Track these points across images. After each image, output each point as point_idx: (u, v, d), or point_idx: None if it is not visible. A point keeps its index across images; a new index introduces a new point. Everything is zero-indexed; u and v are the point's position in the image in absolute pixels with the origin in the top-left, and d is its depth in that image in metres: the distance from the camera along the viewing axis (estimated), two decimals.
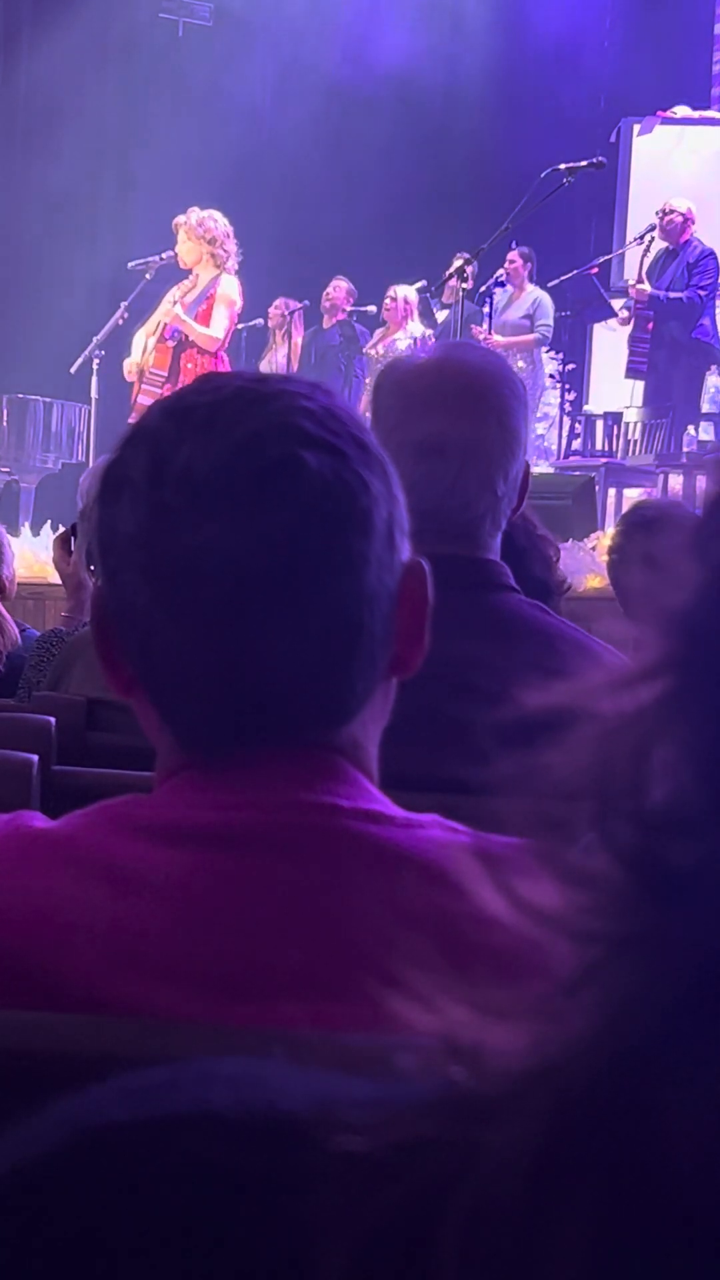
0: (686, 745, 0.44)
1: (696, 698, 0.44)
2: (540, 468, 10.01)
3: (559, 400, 11.63)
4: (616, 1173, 0.41)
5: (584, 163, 9.30)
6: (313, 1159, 0.45)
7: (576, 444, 11.35)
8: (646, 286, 10.43)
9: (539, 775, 0.46)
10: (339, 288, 11.40)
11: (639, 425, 10.60)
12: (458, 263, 10.28)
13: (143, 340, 9.51)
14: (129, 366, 9.55)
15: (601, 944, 0.44)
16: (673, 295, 10.31)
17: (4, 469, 11.03)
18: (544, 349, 11.27)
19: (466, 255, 10.08)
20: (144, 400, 9.08)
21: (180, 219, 9.44)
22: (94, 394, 10.37)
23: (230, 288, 9.36)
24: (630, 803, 0.44)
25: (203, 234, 9.31)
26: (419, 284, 10.95)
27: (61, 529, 4.17)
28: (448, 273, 10.18)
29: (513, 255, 10.97)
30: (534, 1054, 0.43)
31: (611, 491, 9.97)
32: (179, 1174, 0.47)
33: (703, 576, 0.45)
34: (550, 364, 11.58)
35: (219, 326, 9.32)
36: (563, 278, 11.22)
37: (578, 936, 0.44)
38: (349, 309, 11.39)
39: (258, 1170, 0.47)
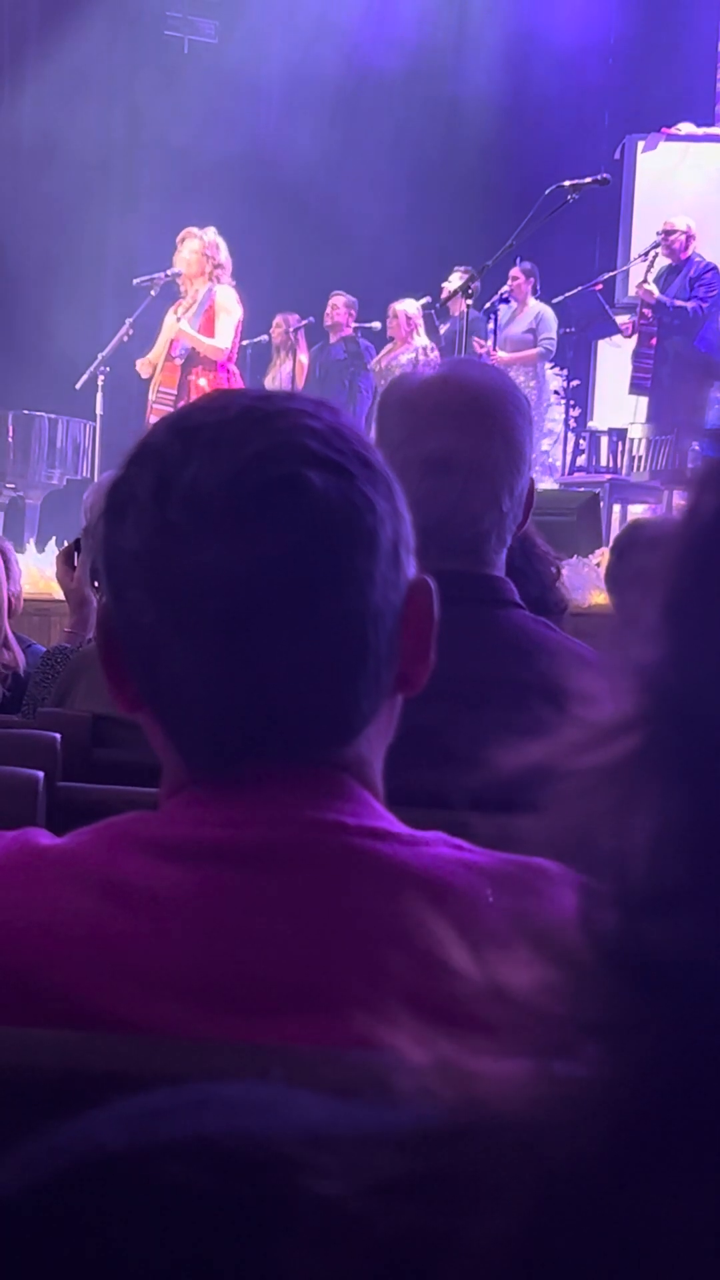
0: (660, 812, 0.44)
1: (667, 763, 0.44)
2: (545, 484, 10.03)
3: (563, 416, 11.65)
4: (601, 1256, 0.41)
5: (588, 179, 9.31)
6: (296, 1196, 0.45)
7: (581, 460, 11.36)
8: (653, 289, 10.47)
9: (519, 838, 0.46)
10: (336, 305, 11.40)
11: (643, 441, 10.61)
12: (455, 277, 10.30)
13: (150, 364, 9.57)
14: (143, 365, 9.61)
15: (577, 1030, 0.43)
16: (679, 303, 10.36)
17: (9, 485, 11.03)
18: (548, 364, 11.29)
19: (468, 270, 10.10)
20: (154, 420, 9.10)
21: (195, 230, 9.52)
22: (99, 410, 10.38)
23: (227, 297, 9.44)
24: (609, 879, 0.44)
25: (211, 254, 9.39)
26: (424, 300, 10.97)
27: (66, 544, 4.17)
28: (451, 290, 10.20)
29: (515, 271, 10.99)
30: (524, 1095, 0.43)
31: (616, 507, 9.98)
32: (173, 1203, 0.47)
33: (673, 638, 0.45)
34: (555, 380, 11.60)
35: (224, 336, 9.38)
36: (567, 294, 11.25)
37: (551, 1021, 0.44)
38: (354, 325, 11.40)
39: (247, 1203, 0.47)
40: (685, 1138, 0.41)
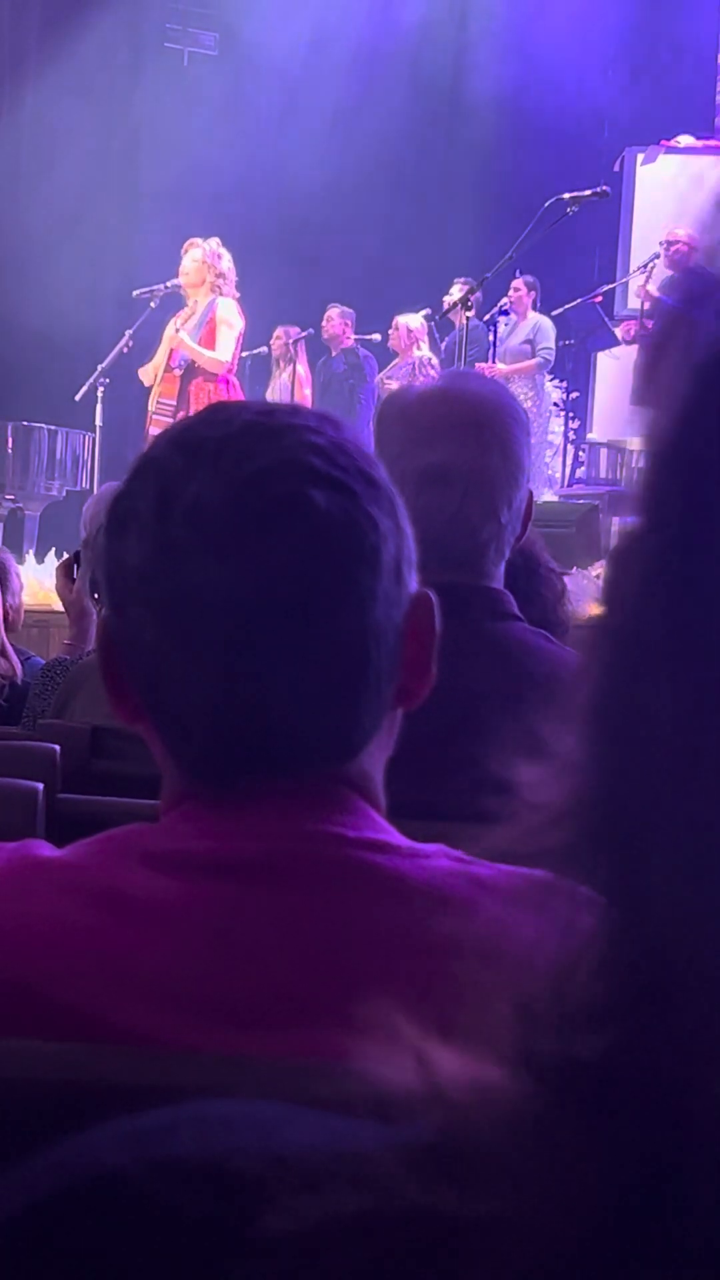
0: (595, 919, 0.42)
1: (587, 869, 0.43)
2: (544, 496, 10.02)
3: (562, 428, 11.65)
4: None
5: (588, 192, 9.33)
6: (294, 1216, 0.45)
7: (580, 472, 11.37)
8: (653, 289, 10.48)
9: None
10: (331, 317, 11.39)
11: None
12: (457, 289, 10.30)
13: (151, 372, 9.57)
14: (145, 373, 9.62)
15: (519, 1140, 0.43)
16: None
17: (8, 496, 11.02)
18: (547, 376, 11.29)
19: (468, 282, 10.11)
20: (155, 431, 9.12)
21: (199, 240, 9.54)
22: (98, 421, 10.39)
23: (228, 310, 9.44)
24: (547, 1002, 0.43)
25: (212, 263, 9.40)
26: (424, 312, 10.97)
27: (65, 556, 4.17)
28: (451, 301, 10.21)
29: (517, 284, 11.01)
30: (511, 1127, 0.43)
31: (615, 520, 9.98)
32: (174, 1222, 0.47)
33: (593, 742, 0.43)
34: (554, 392, 11.61)
35: (224, 349, 9.38)
36: (566, 306, 11.26)
37: (498, 1128, 0.43)
38: (354, 336, 11.40)
39: (241, 1222, 0.47)
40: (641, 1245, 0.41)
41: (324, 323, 11.40)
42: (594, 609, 0.44)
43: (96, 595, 3.79)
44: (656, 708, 0.41)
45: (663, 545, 0.42)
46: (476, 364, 10.24)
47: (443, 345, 11.11)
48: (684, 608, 0.41)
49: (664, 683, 0.41)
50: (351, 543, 1.13)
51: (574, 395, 12.04)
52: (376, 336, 11.30)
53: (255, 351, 11.16)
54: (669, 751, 0.40)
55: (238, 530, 1.11)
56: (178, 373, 9.44)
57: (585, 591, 6.78)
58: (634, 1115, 0.41)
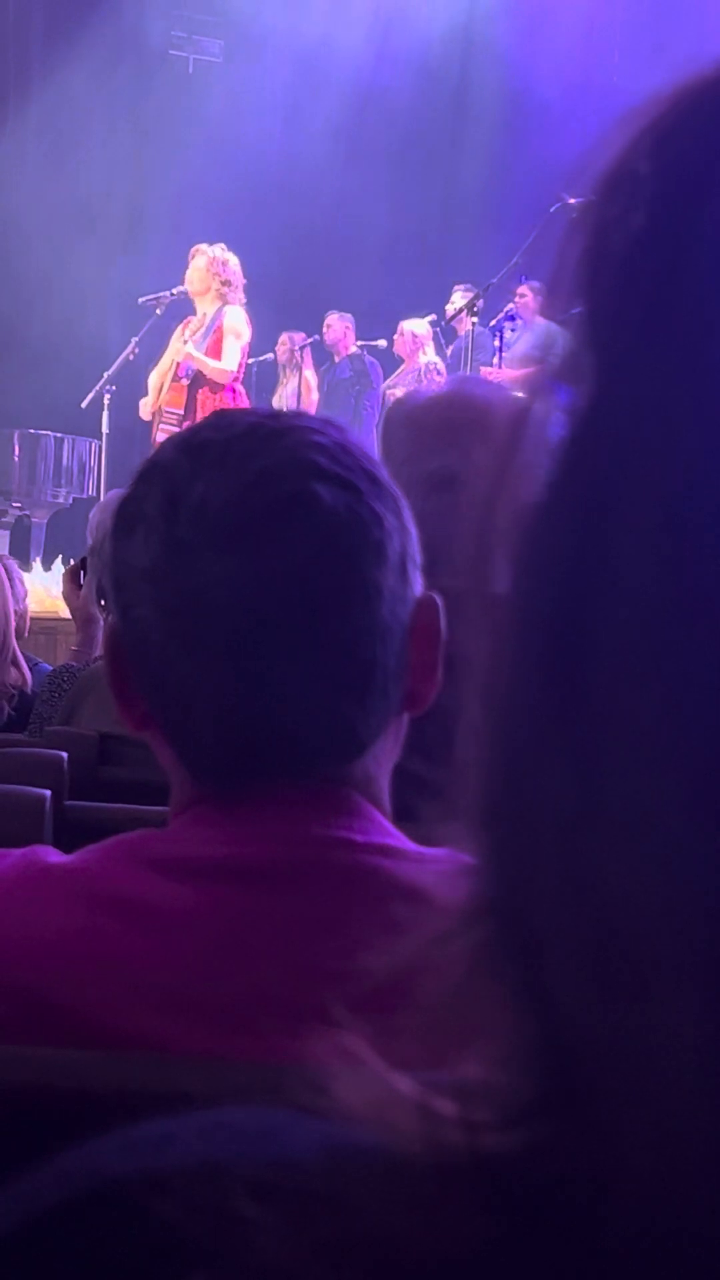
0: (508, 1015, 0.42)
1: (504, 967, 0.42)
2: None
3: None
4: None
5: None
6: (305, 1224, 0.45)
7: None
8: None
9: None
10: (331, 324, 11.37)
11: None
12: (459, 296, 10.30)
13: (157, 381, 9.55)
14: (145, 405, 9.59)
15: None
16: None
17: (15, 504, 11.03)
18: None
19: (469, 288, 10.10)
20: (162, 439, 9.08)
21: (204, 247, 9.52)
22: (105, 429, 10.39)
23: (236, 319, 9.41)
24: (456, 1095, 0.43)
25: (217, 270, 9.38)
26: (430, 317, 10.97)
27: (73, 562, 4.17)
28: (455, 308, 10.20)
29: (523, 289, 11.00)
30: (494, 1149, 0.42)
31: None
32: (180, 1231, 0.47)
33: (486, 844, 0.42)
34: None
35: (231, 359, 9.36)
36: (572, 311, 11.25)
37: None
38: (359, 342, 11.40)
39: (243, 1232, 0.46)
40: None
41: (324, 329, 11.39)
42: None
43: (104, 602, 3.80)
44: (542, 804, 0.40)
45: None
46: (482, 368, 10.24)
47: (448, 351, 11.11)
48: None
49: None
50: (357, 537, 1.13)
51: None
52: (382, 343, 11.28)
53: (261, 359, 11.15)
54: (559, 856, 0.40)
55: (244, 528, 1.11)
56: (184, 382, 9.42)
57: None
58: (542, 1217, 0.40)
